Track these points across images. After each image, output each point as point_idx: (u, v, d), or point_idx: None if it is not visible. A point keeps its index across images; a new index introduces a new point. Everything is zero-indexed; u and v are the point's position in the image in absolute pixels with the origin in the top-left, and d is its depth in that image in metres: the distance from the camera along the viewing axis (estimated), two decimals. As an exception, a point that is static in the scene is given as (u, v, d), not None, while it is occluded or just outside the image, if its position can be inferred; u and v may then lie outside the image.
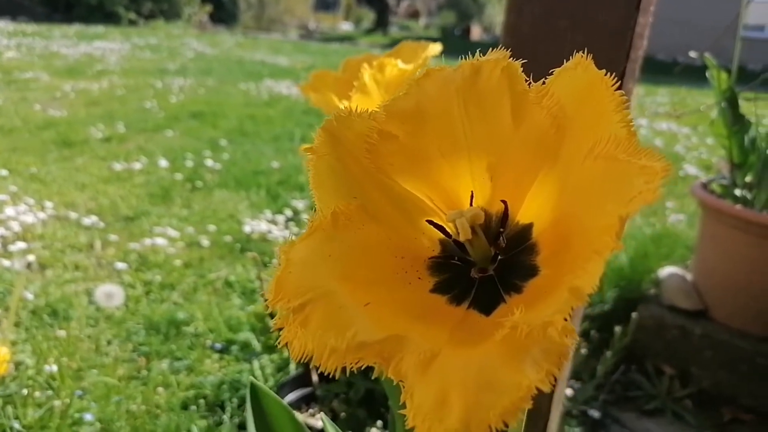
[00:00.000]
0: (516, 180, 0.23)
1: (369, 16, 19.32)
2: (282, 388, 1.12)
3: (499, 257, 0.25)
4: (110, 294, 1.08)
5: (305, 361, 0.20)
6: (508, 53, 0.23)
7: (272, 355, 1.30)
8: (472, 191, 0.25)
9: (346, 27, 18.87)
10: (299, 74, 6.62)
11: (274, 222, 2.16)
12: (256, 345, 1.34)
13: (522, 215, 0.25)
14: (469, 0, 18.53)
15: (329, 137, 0.24)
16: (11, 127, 3.36)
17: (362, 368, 0.20)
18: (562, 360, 0.17)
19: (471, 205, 0.25)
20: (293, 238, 0.23)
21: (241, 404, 1.16)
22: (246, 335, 1.38)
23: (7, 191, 2.24)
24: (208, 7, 13.89)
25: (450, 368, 0.19)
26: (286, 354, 1.07)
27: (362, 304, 0.20)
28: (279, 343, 0.20)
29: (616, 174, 0.19)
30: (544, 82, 0.23)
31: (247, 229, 2.03)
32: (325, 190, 0.24)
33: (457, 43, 12.32)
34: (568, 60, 0.23)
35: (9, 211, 1.95)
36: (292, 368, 1.23)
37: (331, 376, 1.00)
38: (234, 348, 1.35)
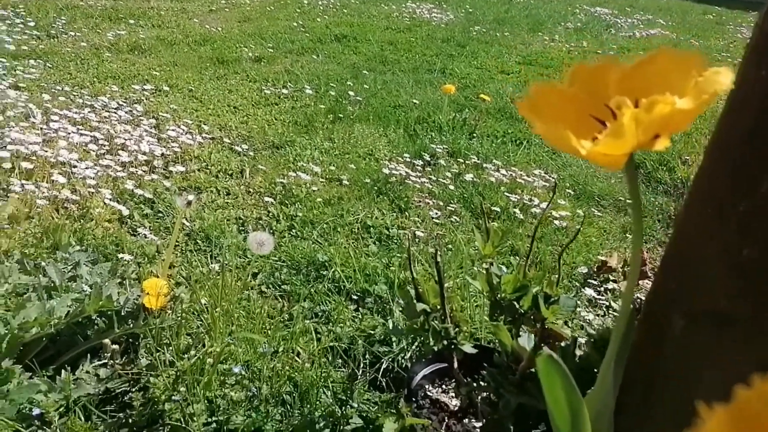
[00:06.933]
0: None
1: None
2: (415, 362, 1.12)
3: None
4: (262, 242, 1.12)
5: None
6: None
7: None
8: None
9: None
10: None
11: (412, 166, 2.14)
12: (391, 303, 1.35)
13: None
14: None
15: None
16: (172, 39, 3.55)
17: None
18: None
19: None
20: None
21: (374, 361, 1.19)
22: (381, 288, 1.41)
23: (169, 109, 2.39)
24: None
25: None
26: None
27: None
28: None
29: None
30: None
31: (385, 171, 2.03)
32: None
33: None
34: None
35: (171, 131, 2.08)
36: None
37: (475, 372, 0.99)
38: (369, 300, 1.37)
